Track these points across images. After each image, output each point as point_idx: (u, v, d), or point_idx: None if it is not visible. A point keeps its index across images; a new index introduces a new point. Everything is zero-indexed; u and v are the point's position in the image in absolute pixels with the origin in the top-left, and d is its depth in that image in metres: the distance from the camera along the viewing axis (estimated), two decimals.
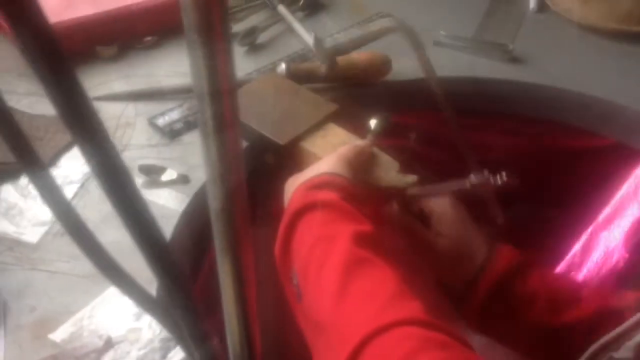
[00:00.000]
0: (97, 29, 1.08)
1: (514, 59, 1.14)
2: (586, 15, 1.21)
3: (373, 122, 0.90)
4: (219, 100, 0.39)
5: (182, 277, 0.43)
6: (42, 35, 0.28)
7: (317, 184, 0.75)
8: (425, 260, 0.84)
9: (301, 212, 0.72)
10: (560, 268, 1.11)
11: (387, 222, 0.86)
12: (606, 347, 0.56)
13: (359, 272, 0.64)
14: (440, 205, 0.85)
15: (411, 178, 0.86)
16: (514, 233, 0.89)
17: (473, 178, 0.82)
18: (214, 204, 0.43)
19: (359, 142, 0.87)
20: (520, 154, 1.12)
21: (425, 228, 0.85)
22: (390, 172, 0.87)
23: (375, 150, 0.89)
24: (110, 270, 0.46)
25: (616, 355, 0.54)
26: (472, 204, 0.87)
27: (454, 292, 0.82)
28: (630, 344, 0.53)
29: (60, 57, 0.29)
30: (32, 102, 1.00)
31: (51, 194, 0.39)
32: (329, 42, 1.14)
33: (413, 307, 0.61)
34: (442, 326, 0.59)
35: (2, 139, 0.35)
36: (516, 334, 0.79)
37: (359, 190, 0.78)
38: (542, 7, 1.28)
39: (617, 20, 1.19)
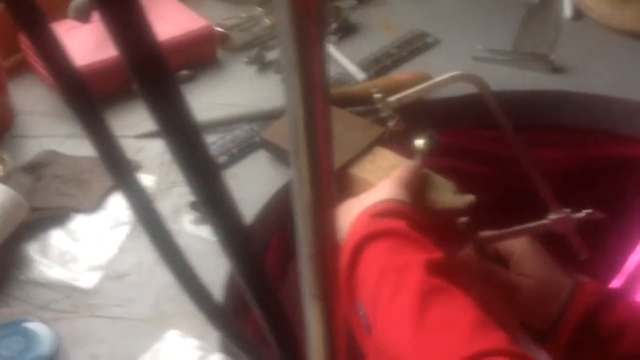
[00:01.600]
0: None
1: (556, 69, 1.12)
2: (624, 19, 1.19)
3: (420, 142, 0.88)
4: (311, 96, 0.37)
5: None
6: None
7: (381, 212, 0.73)
8: (507, 303, 0.82)
9: (366, 240, 0.70)
10: (619, 280, 1.08)
11: (464, 268, 0.85)
12: None
13: (437, 300, 0.62)
14: (519, 245, 0.84)
15: (469, 198, 0.84)
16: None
17: (553, 216, 0.80)
18: (306, 248, 0.41)
19: (410, 164, 0.85)
20: (571, 166, 1.10)
21: (505, 270, 0.83)
22: (446, 193, 0.85)
23: (427, 171, 0.87)
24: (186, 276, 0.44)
25: None
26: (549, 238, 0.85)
27: (538, 332, 0.80)
28: None
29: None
30: (74, 144, 0.99)
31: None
32: (374, 67, 1.13)
33: (498, 337, 0.58)
34: (529, 357, 0.57)
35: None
36: None
37: (422, 216, 0.76)
38: (578, 14, 1.25)
39: None
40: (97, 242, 0.84)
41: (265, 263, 0.96)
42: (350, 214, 0.76)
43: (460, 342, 0.58)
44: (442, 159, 0.93)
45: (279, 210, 0.93)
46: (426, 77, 1.03)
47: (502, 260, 0.85)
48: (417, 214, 0.75)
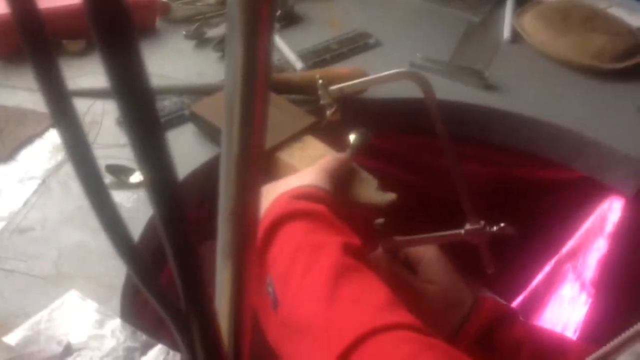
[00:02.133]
0: (63, 22, 1.03)
1: (489, 87, 1.14)
2: (560, 49, 1.22)
3: (352, 137, 0.88)
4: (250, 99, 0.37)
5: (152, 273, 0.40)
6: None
7: (302, 194, 0.72)
8: (412, 308, 0.82)
9: (283, 219, 0.69)
10: (523, 297, 1.10)
11: (373, 267, 0.85)
12: None
13: (350, 278, 0.62)
14: (428, 253, 0.85)
15: (390, 196, 0.84)
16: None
17: (468, 226, 0.81)
18: (226, 203, 0.39)
19: (339, 155, 0.85)
20: (492, 183, 1.12)
21: (412, 275, 0.83)
22: (369, 188, 0.85)
23: (355, 165, 0.86)
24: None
25: None
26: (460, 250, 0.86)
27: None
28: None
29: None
30: None
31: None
32: (313, 58, 1.12)
33: (409, 316, 0.59)
34: (437, 336, 0.57)
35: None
36: None
37: (341, 206, 0.75)
38: (516, 37, 1.28)
39: (590, 56, 1.20)
40: (1, 193, 0.79)
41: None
42: (270, 196, 0.75)
43: (372, 315, 0.58)
44: (371, 160, 0.93)
45: (197, 188, 0.91)
46: (364, 74, 1.04)
47: (410, 265, 0.86)
48: (336, 203, 0.74)
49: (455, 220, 0.83)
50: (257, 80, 0.36)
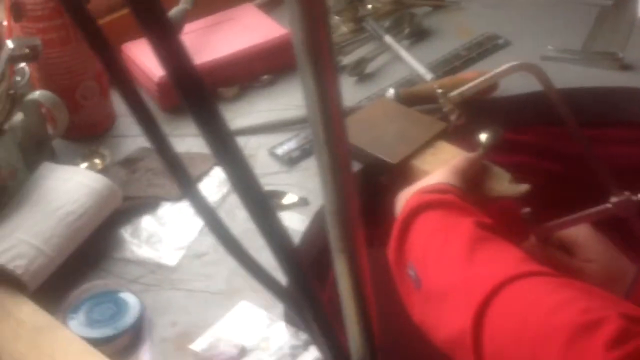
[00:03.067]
0: (218, 73, 1.17)
1: (626, 67, 1.13)
2: None
3: (483, 136, 0.92)
4: (329, 120, 0.44)
5: (310, 279, 0.48)
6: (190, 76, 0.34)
7: (433, 189, 0.79)
8: None
9: (417, 211, 0.75)
10: None
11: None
12: None
13: (485, 245, 0.68)
14: (581, 233, 0.86)
15: (524, 187, 0.88)
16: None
17: (614, 199, 0.82)
18: (328, 206, 0.47)
19: (469, 154, 0.90)
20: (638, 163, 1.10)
21: (569, 257, 0.86)
22: (502, 182, 0.89)
23: (486, 162, 0.91)
24: (251, 265, 0.51)
25: None
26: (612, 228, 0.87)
27: None
28: None
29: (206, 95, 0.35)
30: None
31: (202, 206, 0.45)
32: (443, 67, 1.18)
33: (543, 267, 0.63)
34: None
35: (165, 167, 0.41)
36: None
37: (470, 198, 0.81)
38: None
39: None
40: (180, 226, 0.93)
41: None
42: (405, 197, 0.82)
43: (507, 267, 0.63)
44: (507, 155, 0.97)
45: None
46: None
47: (565, 248, 0.88)
48: (466, 197, 0.80)
49: (599, 199, 0.85)
50: (331, 108, 0.43)
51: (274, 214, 0.42)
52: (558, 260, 0.85)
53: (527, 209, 0.88)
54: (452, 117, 0.97)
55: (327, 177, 0.46)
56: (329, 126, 0.45)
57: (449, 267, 0.68)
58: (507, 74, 0.90)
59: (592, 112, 1.10)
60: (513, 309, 0.60)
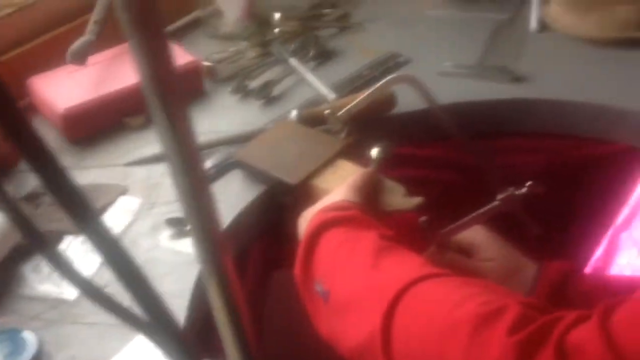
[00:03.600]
0: (124, 103, 1.18)
1: (518, 79, 1.18)
2: (586, 28, 1.24)
3: (374, 152, 0.95)
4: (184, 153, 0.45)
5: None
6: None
7: (335, 207, 0.81)
8: None
9: (320, 229, 0.77)
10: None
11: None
12: None
13: (389, 253, 0.70)
14: (477, 234, 0.90)
15: (417, 200, 0.91)
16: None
17: (500, 196, 0.86)
18: (194, 232, 0.48)
19: (365, 170, 0.92)
20: (536, 171, 1.15)
21: (469, 259, 0.89)
22: (396, 196, 0.92)
23: (381, 177, 0.94)
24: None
25: None
26: (504, 226, 0.91)
27: None
28: None
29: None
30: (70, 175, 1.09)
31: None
32: (346, 87, 1.21)
33: (444, 270, 0.66)
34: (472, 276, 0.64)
35: (56, 202, 0.42)
36: None
37: (372, 214, 0.83)
38: (543, 26, 1.31)
39: (617, 28, 1.22)
40: (82, 260, 0.93)
41: (246, 273, 1.04)
42: (307, 219, 0.84)
43: (411, 271, 0.66)
44: (397, 169, 1.00)
45: (254, 222, 1.02)
46: (390, 96, 1.11)
47: (464, 251, 0.91)
48: (367, 212, 0.82)
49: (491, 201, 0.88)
50: (185, 143, 0.44)
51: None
52: (458, 263, 0.88)
53: (423, 218, 0.92)
54: (342, 135, 0.99)
55: (187, 203, 0.48)
56: (185, 158, 0.46)
57: (355, 276, 0.70)
58: (387, 87, 0.93)
59: (485, 123, 1.14)
60: (419, 309, 0.63)
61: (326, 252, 0.76)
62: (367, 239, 0.73)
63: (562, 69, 1.20)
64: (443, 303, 0.62)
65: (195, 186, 0.47)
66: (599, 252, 1.13)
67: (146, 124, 1.19)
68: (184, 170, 0.42)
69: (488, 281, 0.64)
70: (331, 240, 0.77)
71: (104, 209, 1.02)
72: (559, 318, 0.54)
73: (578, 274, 0.82)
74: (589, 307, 0.79)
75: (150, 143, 1.14)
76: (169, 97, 0.40)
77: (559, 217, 1.18)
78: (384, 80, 0.94)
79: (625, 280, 0.81)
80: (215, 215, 0.49)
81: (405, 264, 0.68)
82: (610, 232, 1.11)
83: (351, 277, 0.70)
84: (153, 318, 0.50)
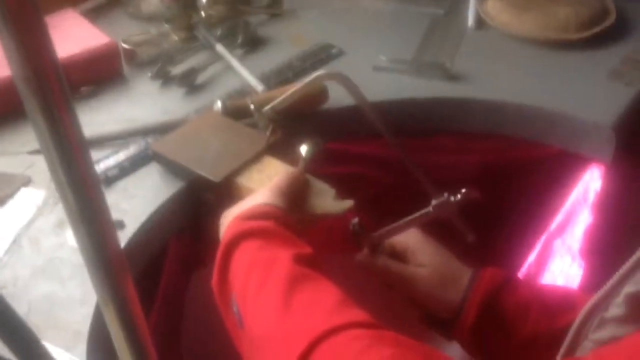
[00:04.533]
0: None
1: (454, 77, 1.14)
2: (523, 27, 1.21)
3: (303, 149, 0.89)
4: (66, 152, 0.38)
5: None
6: None
7: (251, 214, 0.75)
8: (408, 295, 0.84)
9: (236, 240, 0.72)
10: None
11: (363, 267, 0.87)
12: (595, 309, 0.55)
13: (302, 286, 0.65)
14: (412, 238, 0.86)
15: (347, 204, 0.85)
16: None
17: (434, 202, 0.82)
18: (84, 255, 0.41)
19: (291, 170, 0.86)
20: (469, 172, 1.12)
21: (402, 264, 0.85)
22: (326, 199, 0.86)
23: (310, 177, 0.88)
24: None
25: (607, 314, 0.53)
26: (438, 230, 0.87)
27: (444, 320, 0.82)
28: (619, 299, 0.52)
29: None
30: None
31: None
32: (276, 78, 1.14)
33: (360, 313, 0.61)
34: (386, 329, 0.58)
35: None
36: (513, 349, 0.77)
37: (294, 219, 0.77)
38: (480, 24, 1.28)
39: (555, 29, 1.19)
40: None
41: (163, 273, 0.97)
42: (227, 220, 0.78)
43: (323, 318, 0.60)
44: (327, 166, 0.94)
45: (173, 219, 0.94)
46: (322, 89, 1.05)
47: (398, 255, 0.87)
48: (288, 217, 0.76)
49: (427, 204, 0.84)
50: (68, 141, 0.37)
51: None
52: (392, 268, 0.84)
53: (355, 220, 0.87)
54: (267, 133, 0.93)
55: (75, 221, 0.41)
56: (68, 157, 0.39)
57: (266, 313, 0.65)
58: (315, 83, 0.87)
59: (418, 122, 1.10)
60: None
61: (240, 269, 0.71)
62: (281, 264, 0.68)
63: (498, 68, 1.17)
64: None
65: (83, 196, 0.40)
66: (531, 257, 1.11)
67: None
68: (66, 176, 0.35)
69: (403, 336, 0.58)
70: (245, 255, 0.72)
71: (2, 201, 0.92)
72: None
73: (512, 282, 0.78)
74: (522, 317, 0.76)
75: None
76: (46, 92, 0.33)
77: (492, 220, 1.15)
78: (311, 77, 0.88)
79: (559, 291, 0.78)
80: (110, 229, 0.43)
81: (318, 306, 0.63)
82: (543, 238, 1.09)
83: (263, 314, 0.65)
84: None
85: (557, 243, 1.09)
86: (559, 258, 1.09)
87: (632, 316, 0.52)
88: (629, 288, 0.52)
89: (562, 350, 0.58)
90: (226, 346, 0.78)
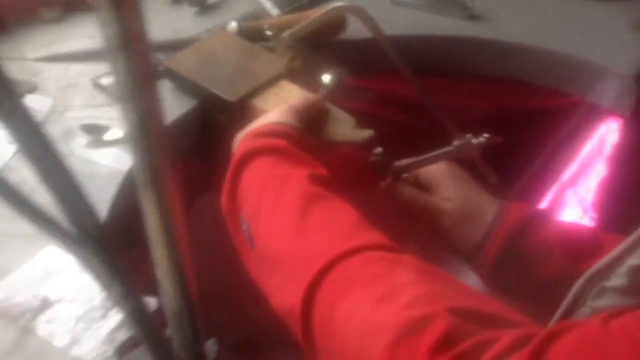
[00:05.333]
0: None
1: (474, 17, 1.11)
2: None
3: (326, 78, 0.86)
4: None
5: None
6: None
7: (264, 132, 0.72)
8: (432, 227, 0.81)
9: (248, 157, 0.69)
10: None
11: (386, 197, 0.84)
12: (596, 277, 0.53)
13: (316, 206, 0.62)
14: (437, 170, 0.82)
15: (367, 133, 0.83)
16: None
17: (456, 142, 0.79)
18: (129, 128, 0.38)
19: (310, 95, 0.84)
20: (484, 115, 1.09)
21: (427, 195, 0.81)
22: (345, 127, 0.84)
23: (330, 105, 0.85)
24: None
25: (607, 284, 0.51)
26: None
27: (466, 254, 0.79)
28: (622, 269, 0.50)
29: None
30: None
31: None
32: (290, 4, 1.10)
33: (378, 236, 0.59)
34: (405, 251, 0.56)
35: None
36: (534, 289, 0.75)
37: (308, 140, 0.75)
38: None
39: None
40: None
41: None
42: (239, 141, 0.75)
43: (340, 239, 0.58)
44: (351, 101, 0.91)
45: (179, 140, 0.91)
46: (340, 18, 1.01)
47: (423, 187, 0.84)
48: (301, 137, 0.74)
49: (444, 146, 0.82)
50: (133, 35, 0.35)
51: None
52: (416, 199, 0.81)
53: (378, 149, 0.84)
54: (285, 60, 0.90)
55: (125, 92, 0.38)
56: (131, 57, 0.36)
57: (281, 232, 0.62)
58: (332, 15, 0.84)
59: (435, 61, 1.07)
60: (340, 296, 0.55)
61: (251, 187, 0.68)
62: (295, 182, 0.65)
63: (520, 11, 1.14)
64: (368, 293, 0.54)
65: (139, 80, 0.37)
66: (542, 206, 1.10)
67: (63, 17, 1.05)
68: (127, 61, 0.32)
69: (423, 261, 0.56)
70: (257, 173, 0.69)
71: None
72: (492, 341, 0.46)
73: (538, 219, 0.75)
74: (545, 257, 0.74)
75: (66, 39, 1.01)
76: None
77: (504, 166, 1.13)
78: (328, 8, 0.84)
79: (587, 233, 0.75)
80: (159, 116, 0.40)
81: (334, 227, 0.60)
82: (555, 188, 1.08)
83: (276, 234, 0.63)
84: (75, 221, 0.41)
85: (569, 194, 1.08)
86: (570, 209, 1.07)
87: (633, 288, 0.50)
88: (633, 260, 0.50)
89: (558, 313, 0.56)
90: (230, 273, 0.76)
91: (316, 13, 0.96)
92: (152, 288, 0.63)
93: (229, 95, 0.86)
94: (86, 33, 1.02)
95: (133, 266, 0.59)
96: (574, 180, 1.07)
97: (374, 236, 0.59)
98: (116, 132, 0.85)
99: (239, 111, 0.87)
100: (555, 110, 1.07)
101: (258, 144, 0.70)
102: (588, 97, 1.05)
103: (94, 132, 0.84)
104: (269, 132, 0.72)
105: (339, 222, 0.61)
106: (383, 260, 0.56)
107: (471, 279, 0.78)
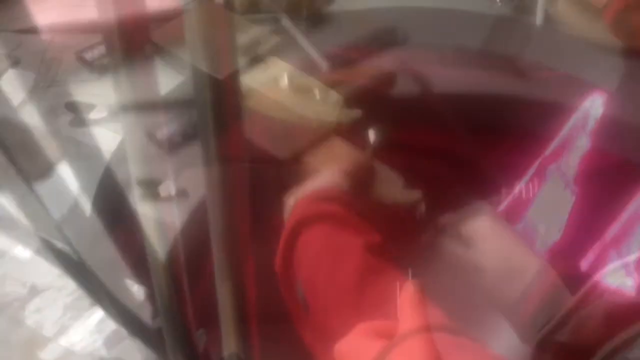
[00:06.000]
0: None
1: None
2: None
3: (372, 134, 0.86)
4: None
5: None
6: None
7: (318, 197, 0.73)
8: (472, 283, 0.80)
9: (303, 224, 0.70)
10: (507, 203, 1.09)
11: (428, 252, 0.83)
12: (619, 348, 0.54)
13: (374, 282, 0.63)
14: (480, 224, 0.81)
15: (415, 194, 0.83)
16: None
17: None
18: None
19: (360, 156, 0.84)
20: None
21: (468, 250, 0.80)
22: (394, 188, 0.84)
23: (378, 164, 0.85)
24: None
25: (630, 355, 0.53)
26: None
27: (503, 309, 0.78)
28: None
29: None
30: None
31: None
32: None
33: (435, 313, 0.59)
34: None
35: None
36: (567, 349, 0.74)
37: (360, 204, 0.75)
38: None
39: None
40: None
41: None
42: (294, 201, 0.77)
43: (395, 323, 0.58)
44: (395, 156, 0.91)
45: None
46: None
47: (464, 240, 0.81)
48: (355, 202, 0.74)
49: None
50: None
51: None
52: (455, 255, 0.80)
53: (422, 205, 0.84)
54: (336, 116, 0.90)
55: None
56: None
57: (338, 310, 0.64)
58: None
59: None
60: None
61: (306, 255, 0.70)
62: (352, 252, 0.66)
63: None
64: None
65: None
66: (524, 180, 1.11)
67: None
68: None
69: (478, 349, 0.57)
70: (314, 240, 0.70)
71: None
72: None
73: (578, 279, 0.75)
74: (584, 318, 0.74)
75: (47, 9, 0.99)
76: None
77: (487, 136, 1.14)
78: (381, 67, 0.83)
79: (628, 298, 0.75)
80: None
81: (392, 304, 0.61)
82: (537, 163, 1.09)
83: (332, 310, 0.65)
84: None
85: (552, 168, 1.09)
86: (552, 183, 1.08)
87: None
88: None
89: None
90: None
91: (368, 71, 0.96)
92: (139, 271, 0.65)
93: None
94: (72, 1, 1.00)
95: (120, 248, 0.60)
96: (557, 155, 1.08)
97: (432, 314, 0.58)
98: (101, 110, 0.84)
99: (292, 169, 0.86)
100: (541, 83, 1.07)
101: (313, 211, 0.71)
102: (573, 71, 1.05)
103: (79, 110, 0.84)
104: (323, 197, 0.73)
105: (394, 298, 0.61)
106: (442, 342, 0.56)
107: (509, 335, 0.79)
